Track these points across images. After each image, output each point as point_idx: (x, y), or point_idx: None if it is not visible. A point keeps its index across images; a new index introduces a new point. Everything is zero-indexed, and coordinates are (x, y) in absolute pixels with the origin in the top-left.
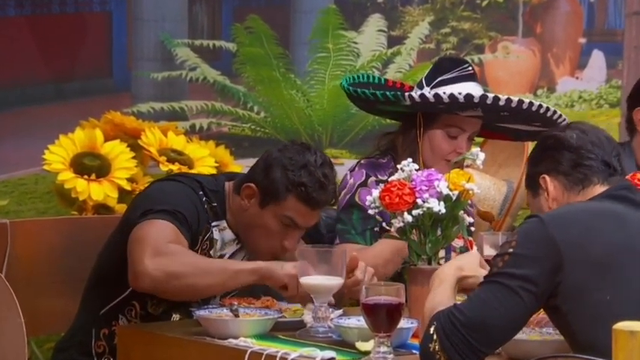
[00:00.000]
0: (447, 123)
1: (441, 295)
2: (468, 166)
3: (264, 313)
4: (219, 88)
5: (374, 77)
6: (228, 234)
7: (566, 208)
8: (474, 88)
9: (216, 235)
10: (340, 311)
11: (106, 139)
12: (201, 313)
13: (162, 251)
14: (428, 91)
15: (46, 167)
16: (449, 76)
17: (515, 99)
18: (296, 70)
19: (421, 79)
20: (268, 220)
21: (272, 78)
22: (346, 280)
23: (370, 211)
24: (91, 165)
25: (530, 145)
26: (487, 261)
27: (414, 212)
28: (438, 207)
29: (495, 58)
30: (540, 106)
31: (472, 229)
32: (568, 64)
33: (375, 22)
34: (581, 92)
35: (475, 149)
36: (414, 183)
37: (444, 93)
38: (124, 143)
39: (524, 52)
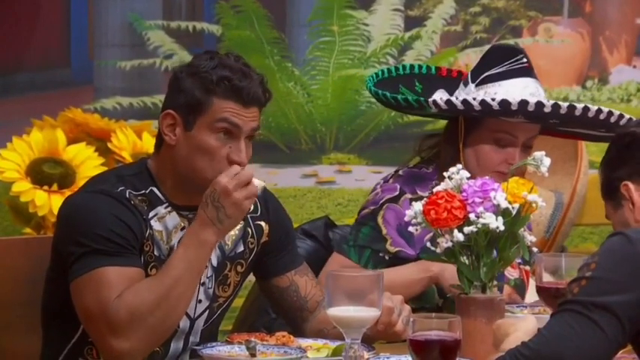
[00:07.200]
0: (494, 128)
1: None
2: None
3: (284, 352)
4: None
5: (414, 66)
6: (172, 219)
7: None
8: (524, 87)
9: (157, 227)
10: (374, 351)
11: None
12: (209, 351)
13: (115, 319)
14: (460, 95)
15: None
16: (497, 71)
17: (564, 105)
18: (294, 58)
19: (468, 74)
20: (202, 139)
21: (265, 67)
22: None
23: (411, 229)
24: (51, 173)
25: (585, 148)
26: (549, 289)
27: (466, 229)
28: (496, 223)
29: (536, 42)
30: (599, 110)
31: (534, 249)
32: (624, 50)
33: (390, 0)
34: None
35: (539, 152)
36: (465, 194)
37: (474, 99)
38: (90, 147)
39: (570, 35)
